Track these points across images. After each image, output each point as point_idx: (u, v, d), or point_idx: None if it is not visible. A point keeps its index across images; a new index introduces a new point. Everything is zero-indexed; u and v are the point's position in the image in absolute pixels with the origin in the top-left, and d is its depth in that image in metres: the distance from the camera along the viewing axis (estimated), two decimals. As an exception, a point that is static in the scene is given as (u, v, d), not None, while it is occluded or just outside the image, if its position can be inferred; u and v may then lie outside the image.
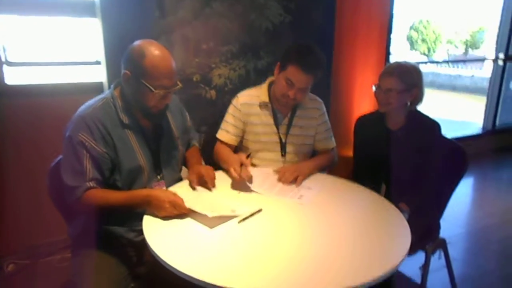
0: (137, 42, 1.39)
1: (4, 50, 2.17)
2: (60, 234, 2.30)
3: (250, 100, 1.87)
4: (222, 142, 1.88)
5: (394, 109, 1.76)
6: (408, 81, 1.70)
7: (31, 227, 2.24)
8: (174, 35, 2.21)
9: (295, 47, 1.72)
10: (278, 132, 1.86)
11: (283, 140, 1.87)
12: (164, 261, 1.10)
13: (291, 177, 1.66)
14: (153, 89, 1.36)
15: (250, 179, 1.59)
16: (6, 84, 2.13)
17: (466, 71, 17.58)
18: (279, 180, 1.67)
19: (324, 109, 1.95)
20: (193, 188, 1.54)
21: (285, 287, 1.02)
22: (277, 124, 1.86)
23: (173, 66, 1.39)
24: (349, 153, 2.34)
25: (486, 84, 6.03)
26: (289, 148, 1.88)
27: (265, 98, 1.85)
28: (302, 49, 1.69)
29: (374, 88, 1.77)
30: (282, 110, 1.87)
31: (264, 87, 1.88)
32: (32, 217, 2.22)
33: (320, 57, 1.69)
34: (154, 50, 1.36)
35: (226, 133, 1.88)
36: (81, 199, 1.35)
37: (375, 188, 1.67)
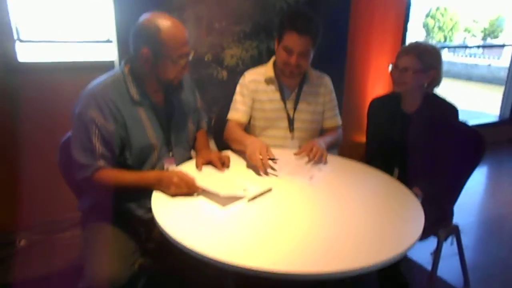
0: (144, 18, 1.37)
1: (17, 28, 2.17)
2: (72, 211, 2.32)
3: (256, 77, 1.86)
4: (233, 121, 1.86)
5: (409, 90, 1.71)
6: (426, 61, 1.65)
7: (44, 203, 2.27)
8: (186, 13, 2.18)
9: (287, 15, 1.73)
10: (286, 108, 1.84)
11: (291, 116, 1.85)
12: (171, 238, 1.09)
13: (319, 154, 1.63)
14: (177, 60, 1.36)
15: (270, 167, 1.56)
16: (18, 61, 2.13)
17: (483, 60, 17.19)
18: (307, 155, 1.64)
19: (332, 86, 1.93)
20: (200, 171, 1.53)
21: (294, 265, 1.00)
22: (284, 99, 1.84)
23: (186, 32, 1.40)
24: (361, 138, 2.30)
25: (503, 74, 5.85)
26: (297, 124, 1.86)
27: (271, 74, 1.84)
28: (293, 15, 1.70)
29: (390, 67, 1.72)
30: (289, 85, 1.85)
31: (269, 64, 1.87)
32: (45, 193, 2.24)
33: (313, 18, 1.68)
34: (166, 22, 1.35)
35: (235, 112, 1.86)
36: (91, 178, 1.35)
37: (388, 171, 1.64)
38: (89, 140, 1.34)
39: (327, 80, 1.92)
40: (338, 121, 1.95)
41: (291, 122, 1.85)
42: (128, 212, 1.47)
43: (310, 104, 1.86)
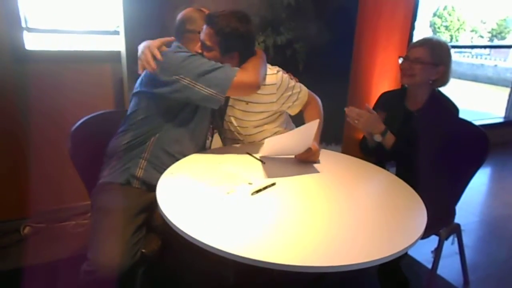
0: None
1: (25, 17, 2.18)
2: (77, 201, 2.35)
3: None
4: None
5: (416, 85, 1.71)
6: (437, 55, 1.66)
7: (49, 192, 2.29)
8: (194, 6, 2.17)
9: None
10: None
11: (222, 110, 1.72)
12: (174, 226, 1.11)
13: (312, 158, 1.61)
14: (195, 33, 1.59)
15: None
16: (26, 49, 2.15)
17: (489, 61, 17.06)
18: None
19: (280, 77, 1.65)
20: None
21: (293, 258, 1.01)
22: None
23: (196, 12, 1.71)
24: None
25: (509, 75, 5.82)
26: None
27: None
28: None
29: (400, 60, 1.72)
30: None
31: None
32: (51, 182, 2.26)
33: (224, 12, 1.64)
34: (185, 10, 1.67)
35: None
36: (237, 79, 1.45)
37: (383, 166, 1.64)
38: (205, 61, 1.47)
39: (274, 77, 1.65)
40: (305, 96, 1.74)
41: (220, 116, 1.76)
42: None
43: (248, 104, 1.68)
